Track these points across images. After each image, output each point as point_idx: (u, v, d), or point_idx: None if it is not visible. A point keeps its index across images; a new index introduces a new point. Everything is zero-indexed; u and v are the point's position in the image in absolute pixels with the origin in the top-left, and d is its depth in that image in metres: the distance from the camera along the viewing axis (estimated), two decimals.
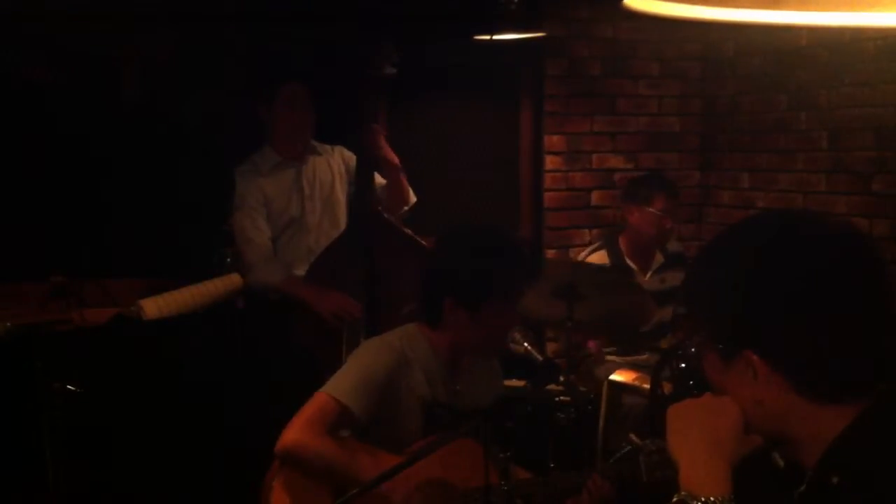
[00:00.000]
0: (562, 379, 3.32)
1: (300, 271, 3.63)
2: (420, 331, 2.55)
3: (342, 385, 2.39)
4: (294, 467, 2.37)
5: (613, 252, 4.13)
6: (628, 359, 4.06)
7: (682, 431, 1.35)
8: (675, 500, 1.29)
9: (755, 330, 1.25)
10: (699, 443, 1.32)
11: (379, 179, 3.75)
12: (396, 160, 3.68)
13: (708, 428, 1.32)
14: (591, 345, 3.99)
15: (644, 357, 4.05)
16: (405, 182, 3.75)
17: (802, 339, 1.23)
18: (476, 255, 2.47)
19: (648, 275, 4.14)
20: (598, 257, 4.13)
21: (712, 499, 1.26)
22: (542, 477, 2.50)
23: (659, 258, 4.17)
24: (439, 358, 2.53)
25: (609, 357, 4.07)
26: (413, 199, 3.80)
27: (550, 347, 4.77)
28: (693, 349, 3.09)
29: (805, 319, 1.23)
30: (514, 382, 3.53)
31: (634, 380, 3.71)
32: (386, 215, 3.57)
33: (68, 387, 2.80)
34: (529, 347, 3.38)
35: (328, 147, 3.88)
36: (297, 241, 3.78)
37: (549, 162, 4.97)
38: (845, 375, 1.24)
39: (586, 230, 5.04)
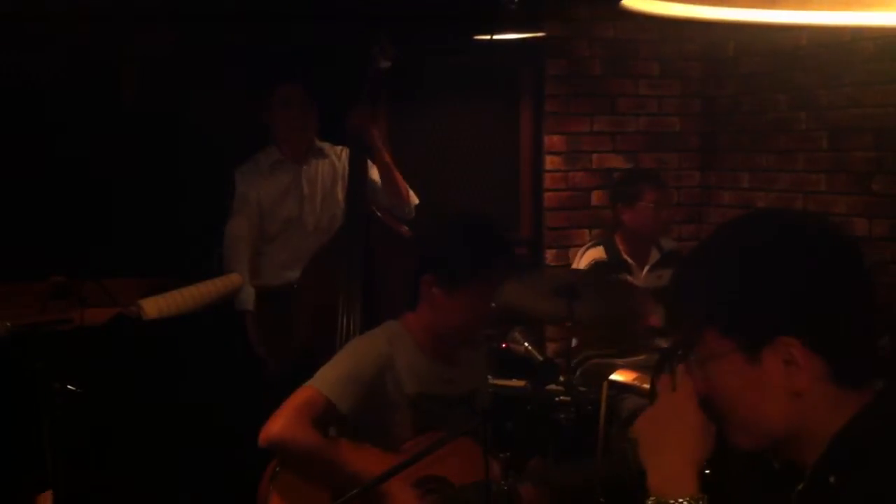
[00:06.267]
0: (562, 379, 3.33)
1: (296, 273, 3.63)
2: (403, 325, 2.56)
3: (328, 379, 2.40)
4: (280, 459, 2.37)
5: (611, 248, 4.16)
6: (628, 360, 4.06)
7: (647, 440, 1.36)
8: None
9: (788, 313, 1.24)
10: (663, 447, 1.33)
11: (377, 177, 3.74)
12: (385, 155, 3.66)
13: (668, 432, 1.34)
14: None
15: (643, 358, 4.05)
16: (400, 179, 3.73)
17: (838, 321, 1.25)
18: (455, 235, 2.50)
19: (645, 271, 4.15)
20: (596, 252, 4.15)
21: (681, 500, 1.27)
22: (540, 475, 2.50)
23: (655, 254, 4.19)
24: (422, 350, 2.54)
25: (608, 360, 4.06)
26: (414, 199, 3.79)
27: (550, 347, 4.77)
28: (693, 357, 3.07)
29: (835, 298, 1.25)
30: (514, 382, 3.53)
31: (634, 380, 3.71)
32: (380, 214, 3.56)
33: (68, 387, 2.79)
34: (529, 347, 3.38)
35: (337, 148, 3.87)
36: (294, 241, 3.77)
37: (549, 162, 4.97)
38: (867, 358, 1.27)
39: (586, 230, 5.03)
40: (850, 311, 1.24)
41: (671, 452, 1.32)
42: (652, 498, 1.30)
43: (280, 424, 2.31)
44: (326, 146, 3.85)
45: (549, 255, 5.00)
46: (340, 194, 3.81)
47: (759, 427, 1.29)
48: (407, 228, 3.61)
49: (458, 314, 2.48)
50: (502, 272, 2.53)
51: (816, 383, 1.24)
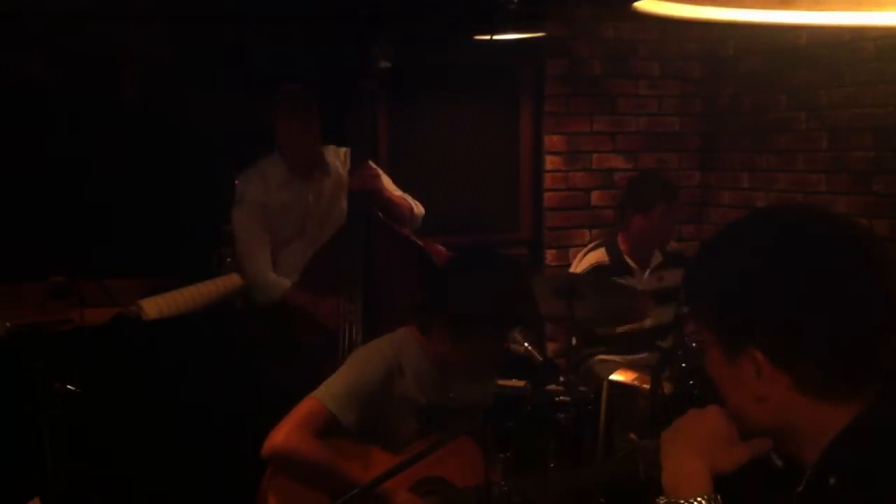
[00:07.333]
0: (562, 379, 3.33)
1: (296, 279, 3.61)
2: (412, 334, 2.55)
3: (333, 392, 2.40)
4: (283, 470, 2.37)
5: (612, 250, 4.14)
6: (628, 358, 4.06)
7: (668, 445, 1.37)
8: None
9: (760, 328, 1.25)
10: (679, 447, 1.35)
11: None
12: (397, 200, 3.61)
13: (688, 433, 1.35)
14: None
15: (644, 356, 4.06)
16: (402, 205, 3.68)
17: (806, 338, 1.23)
18: (470, 292, 2.44)
19: (647, 273, 4.15)
20: (597, 255, 4.14)
21: (692, 501, 1.28)
22: (541, 476, 2.50)
23: (657, 257, 4.18)
24: (430, 361, 2.53)
25: (609, 357, 4.07)
26: (419, 210, 3.74)
27: (550, 347, 4.78)
28: (695, 344, 3.08)
29: (810, 318, 1.22)
30: (514, 382, 3.53)
31: (634, 380, 3.70)
32: (381, 215, 3.54)
33: (68, 387, 2.79)
34: (529, 347, 3.38)
35: (340, 152, 3.81)
36: (298, 252, 3.74)
37: (549, 162, 4.97)
38: (847, 374, 1.24)
39: (586, 230, 5.04)
40: (838, 321, 1.22)
41: (688, 454, 1.33)
42: (663, 499, 1.31)
43: (283, 436, 2.31)
44: (330, 152, 3.78)
45: (549, 256, 5.00)
46: (343, 202, 3.76)
47: (743, 417, 1.31)
48: (407, 229, 3.60)
49: (463, 359, 2.49)
50: (512, 326, 2.54)
51: (785, 393, 1.25)
